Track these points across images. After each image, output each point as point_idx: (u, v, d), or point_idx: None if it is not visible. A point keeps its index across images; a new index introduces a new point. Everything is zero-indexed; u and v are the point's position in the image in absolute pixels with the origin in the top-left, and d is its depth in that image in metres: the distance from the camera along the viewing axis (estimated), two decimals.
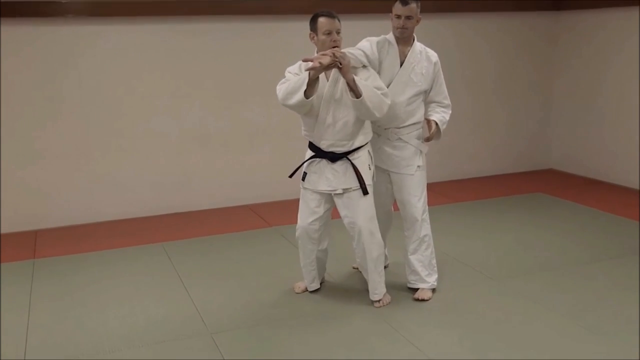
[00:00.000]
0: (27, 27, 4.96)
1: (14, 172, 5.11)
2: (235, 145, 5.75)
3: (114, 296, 3.86)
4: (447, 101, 3.68)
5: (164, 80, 5.44)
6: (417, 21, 3.52)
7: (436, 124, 3.58)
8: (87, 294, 3.91)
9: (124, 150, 5.41)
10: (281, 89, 3.36)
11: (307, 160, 3.54)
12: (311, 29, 3.37)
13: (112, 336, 3.35)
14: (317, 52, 3.33)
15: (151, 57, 5.36)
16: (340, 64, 3.20)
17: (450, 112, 3.69)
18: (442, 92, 3.67)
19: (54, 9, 4.97)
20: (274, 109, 5.76)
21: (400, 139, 3.62)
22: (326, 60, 3.17)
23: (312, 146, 3.54)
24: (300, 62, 3.37)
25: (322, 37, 3.31)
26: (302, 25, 5.69)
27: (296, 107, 3.33)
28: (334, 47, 3.28)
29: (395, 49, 3.57)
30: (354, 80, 3.24)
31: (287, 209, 5.49)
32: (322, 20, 3.31)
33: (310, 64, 3.18)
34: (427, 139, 3.60)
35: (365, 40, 3.59)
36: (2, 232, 5.13)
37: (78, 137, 5.25)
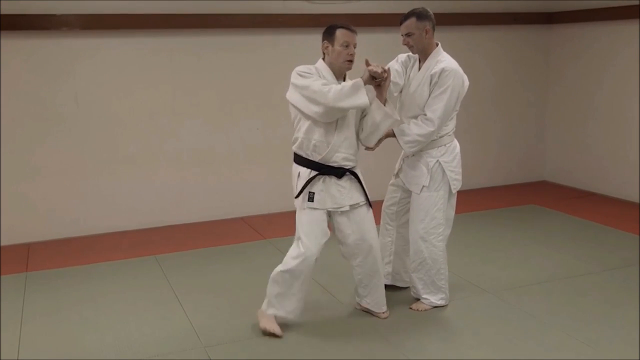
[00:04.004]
0: (21, 40, 4.95)
1: (7, 185, 5.08)
2: (230, 158, 5.74)
3: (107, 309, 3.84)
4: (430, 114, 3.41)
5: (160, 93, 5.43)
6: (426, 33, 3.40)
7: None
8: (80, 307, 3.88)
9: (118, 163, 5.39)
10: (331, 89, 3.14)
11: (312, 178, 3.32)
12: (326, 39, 3.29)
13: (105, 350, 3.32)
14: (327, 61, 3.31)
15: (147, 70, 5.36)
16: (383, 81, 3.23)
17: (426, 127, 3.41)
18: (431, 105, 3.42)
19: (49, 22, 4.96)
20: (269, 123, 5.77)
21: (413, 155, 3.58)
22: (379, 70, 3.19)
23: (311, 163, 3.33)
24: (312, 66, 3.32)
25: (338, 47, 3.24)
26: (301, 39, 5.76)
27: (343, 111, 3.23)
28: (349, 60, 3.27)
29: (416, 66, 3.54)
30: (386, 101, 3.29)
31: (282, 222, 5.49)
32: (342, 31, 3.25)
33: (371, 68, 3.20)
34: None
35: (394, 61, 3.59)
36: None
37: (72, 150, 5.23)
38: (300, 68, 3.30)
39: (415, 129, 3.44)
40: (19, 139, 5.06)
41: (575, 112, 6.63)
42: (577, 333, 3.37)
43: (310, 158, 3.33)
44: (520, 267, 4.39)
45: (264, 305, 3.47)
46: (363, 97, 3.15)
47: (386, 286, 3.80)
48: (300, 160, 3.37)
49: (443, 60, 3.46)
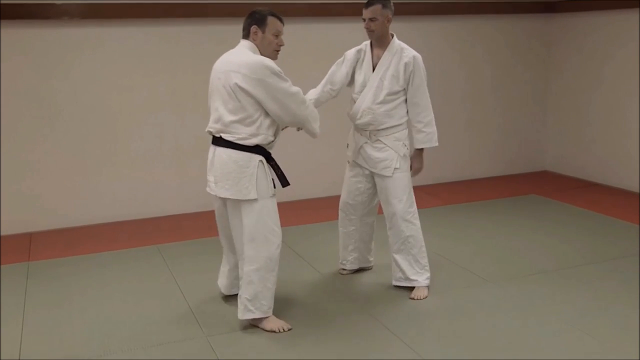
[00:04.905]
0: (21, 30, 4.93)
1: (9, 175, 5.08)
2: None
3: (109, 298, 3.85)
4: (423, 101, 3.63)
5: (160, 83, 5.41)
6: (387, 21, 3.58)
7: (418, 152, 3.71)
8: (82, 296, 3.90)
9: (119, 154, 5.39)
10: (309, 104, 3.40)
11: (275, 165, 3.37)
12: (256, 24, 3.24)
13: (107, 338, 3.34)
14: (256, 48, 3.26)
15: (147, 60, 5.34)
16: None
17: (427, 117, 3.64)
18: (416, 95, 3.62)
19: (49, 11, 4.94)
20: None
21: (378, 140, 3.68)
22: None
23: (262, 150, 3.29)
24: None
25: (270, 37, 3.25)
26: (304, 28, 5.73)
27: (302, 127, 3.42)
28: (278, 50, 3.29)
29: (368, 54, 3.69)
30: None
31: (281, 211, 5.48)
32: (274, 19, 3.25)
33: None
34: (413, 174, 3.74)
35: (340, 60, 3.77)
36: None
37: (72, 140, 5.23)
38: (273, 65, 3.17)
39: (427, 129, 3.66)
40: (19, 128, 5.05)
41: (576, 102, 6.62)
42: (578, 322, 3.38)
43: (264, 147, 3.31)
44: (520, 256, 4.40)
45: (246, 314, 3.35)
46: (317, 128, 3.41)
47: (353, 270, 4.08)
48: (257, 150, 3.27)
49: (407, 48, 3.64)
